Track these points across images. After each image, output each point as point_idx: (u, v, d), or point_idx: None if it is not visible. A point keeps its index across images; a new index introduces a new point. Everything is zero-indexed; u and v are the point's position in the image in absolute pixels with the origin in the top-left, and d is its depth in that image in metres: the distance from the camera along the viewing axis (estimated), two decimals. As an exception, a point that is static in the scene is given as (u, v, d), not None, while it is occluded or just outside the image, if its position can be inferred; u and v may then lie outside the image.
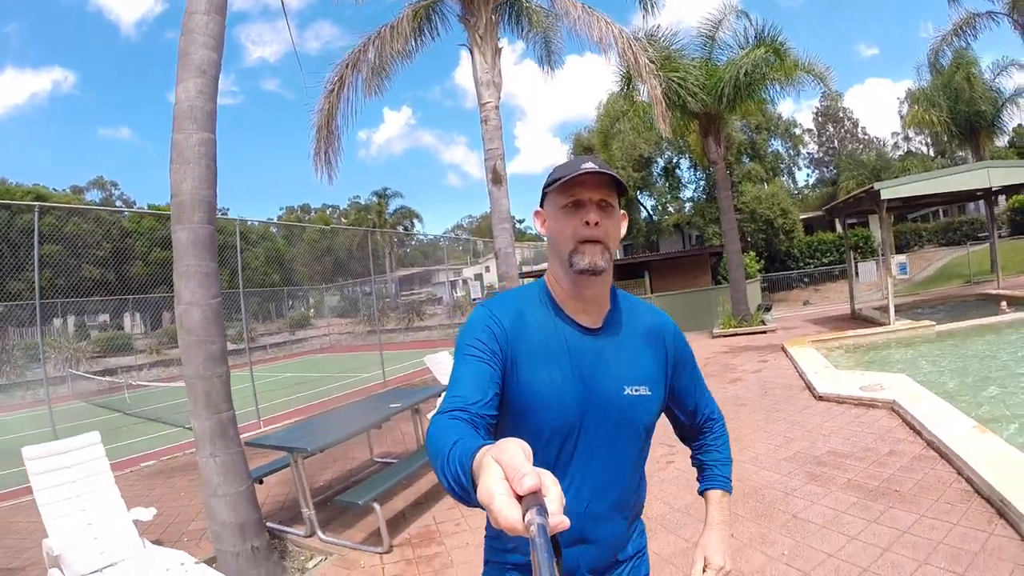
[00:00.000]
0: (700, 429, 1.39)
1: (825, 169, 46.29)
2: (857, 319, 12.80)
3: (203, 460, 3.13)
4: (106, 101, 78.85)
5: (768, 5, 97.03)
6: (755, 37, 12.04)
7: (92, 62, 79.04)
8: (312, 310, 32.64)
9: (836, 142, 51.77)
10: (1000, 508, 2.98)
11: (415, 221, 41.32)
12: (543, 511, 0.58)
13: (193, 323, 3.08)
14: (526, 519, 0.58)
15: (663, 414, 1.33)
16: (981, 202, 23.70)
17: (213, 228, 3.23)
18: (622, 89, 12.72)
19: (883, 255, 12.31)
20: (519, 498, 0.61)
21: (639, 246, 27.88)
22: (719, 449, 1.39)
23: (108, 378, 18.10)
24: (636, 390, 1.20)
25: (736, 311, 13.20)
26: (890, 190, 10.07)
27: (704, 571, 1.27)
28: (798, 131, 28.47)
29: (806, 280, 24.99)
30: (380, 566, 3.34)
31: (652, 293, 17.77)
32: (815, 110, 53.38)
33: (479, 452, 0.72)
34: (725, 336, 12.42)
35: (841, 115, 52.65)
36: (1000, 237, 22.38)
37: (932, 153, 27.07)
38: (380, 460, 5.50)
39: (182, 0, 3.57)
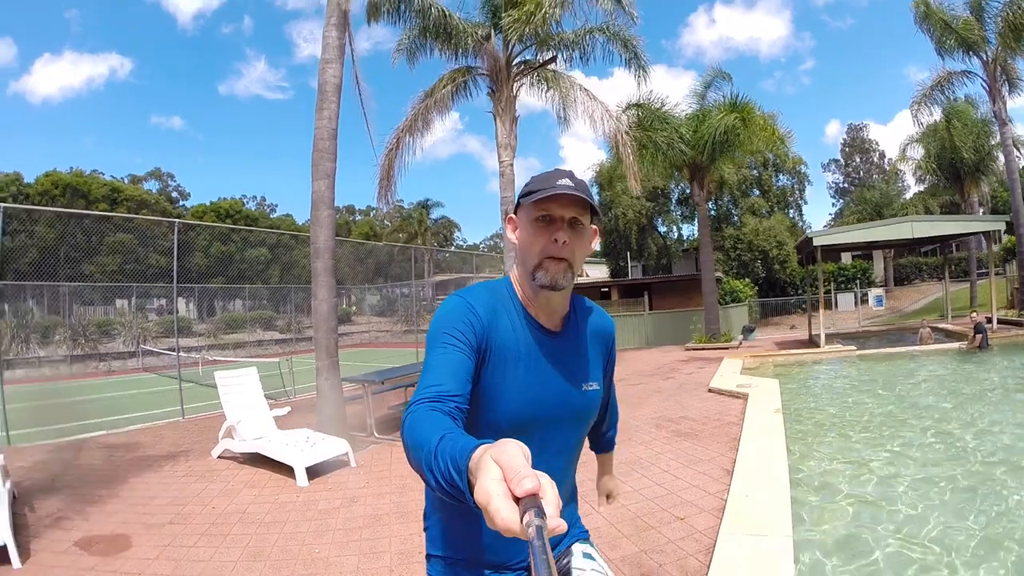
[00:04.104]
0: (606, 417, 1.63)
1: (849, 199, 47.79)
2: (811, 343, 15.19)
3: (320, 382, 6.09)
4: (160, 89, 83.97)
5: (817, 25, 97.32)
6: (731, 103, 14.70)
7: (148, 50, 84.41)
8: (354, 307, 35.96)
9: (862, 173, 52.83)
10: (734, 444, 5.64)
11: (455, 231, 44.93)
12: (541, 513, 0.61)
13: (322, 310, 6.07)
14: (524, 521, 0.61)
15: None
16: (983, 238, 25.32)
17: (333, 262, 6.18)
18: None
19: (818, 293, 14.56)
20: (516, 500, 0.63)
21: (651, 268, 30.40)
22: (613, 427, 1.69)
23: (184, 354, 21.22)
24: (589, 386, 1.33)
25: (707, 330, 15.75)
26: (821, 238, 12.56)
27: (608, 500, 1.76)
28: (804, 169, 30.63)
29: (803, 307, 27.16)
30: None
31: (651, 311, 20.34)
32: (842, 141, 54.68)
33: (477, 451, 0.74)
34: (694, 349, 14.98)
35: (867, 147, 53.70)
36: (997, 274, 23.96)
37: (920, 191, 28.86)
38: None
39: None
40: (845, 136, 54.40)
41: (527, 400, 1.22)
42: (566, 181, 1.18)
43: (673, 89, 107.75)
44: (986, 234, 15.37)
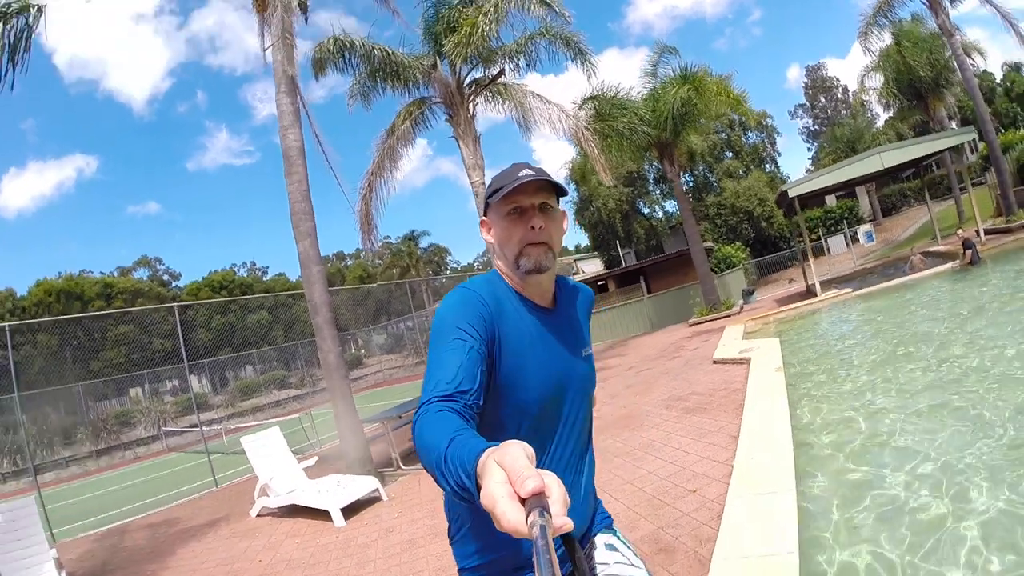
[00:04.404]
0: None
1: (821, 140, 47.77)
2: (809, 293, 15.40)
3: (340, 428, 6.38)
4: (131, 179, 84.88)
5: None
6: (682, 76, 15.02)
7: (111, 144, 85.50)
8: (363, 350, 36.24)
9: (829, 112, 52.89)
10: (740, 410, 5.87)
11: (446, 256, 45.47)
12: (545, 512, 0.61)
13: (331, 360, 6.34)
14: (529, 520, 0.61)
15: None
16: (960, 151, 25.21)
17: (332, 313, 6.48)
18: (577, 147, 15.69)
19: (804, 243, 14.84)
20: (522, 501, 0.64)
21: (643, 252, 30.68)
22: None
23: (206, 428, 21.36)
24: (587, 351, 1.42)
25: (707, 301, 15.98)
26: (795, 189, 12.81)
27: None
28: (771, 121, 31.03)
29: (798, 259, 27.36)
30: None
31: (649, 294, 20.55)
32: (804, 84, 54.88)
33: (482, 456, 0.75)
34: (697, 324, 15.19)
35: (829, 84, 53.77)
36: (980, 183, 24.05)
37: (890, 117, 29.03)
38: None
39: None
40: (806, 79, 54.64)
41: (547, 376, 1.26)
42: (527, 171, 1.25)
43: (629, 68, 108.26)
44: (957, 148, 15.21)
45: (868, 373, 6.06)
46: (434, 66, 11.23)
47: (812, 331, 10.15)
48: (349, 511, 5.39)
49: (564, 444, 1.32)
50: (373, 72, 10.79)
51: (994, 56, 67.96)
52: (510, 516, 0.63)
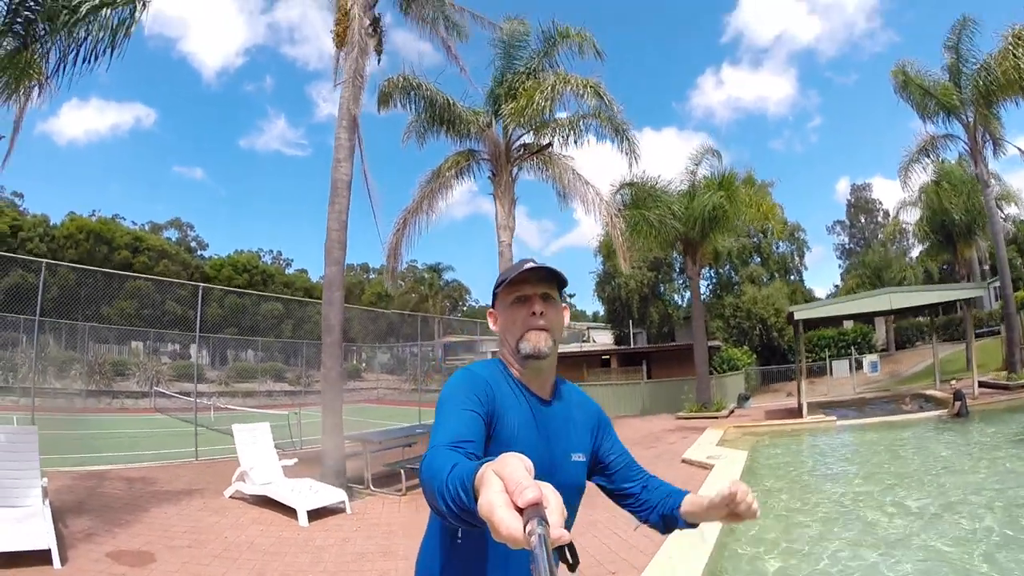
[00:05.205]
0: (638, 479, 1.55)
1: (856, 260, 47.69)
2: (799, 412, 15.68)
3: (324, 439, 6.98)
4: (183, 141, 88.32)
5: (822, 82, 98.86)
6: (718, 181, 15.82)
7: (173, 103, 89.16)
8: (364, 364, 36.83)
9: (867, 233, 53.04)
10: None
11: (465, 295, 46.55)
12: (543, 522, 0.62)
13: (331, 377, 7.03)
14: (527, 530, 0.62)
15: (609, 492, 1.55)
16: (984, 297, 24.52)
17: (341, 338, 7.17)
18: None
19: (799, 363, 15.22)
20: (520, 511, 0.64)
21: (654, 336, 31.15)
22: (650, 478, 1.57)
23: (197, 399, 21.68)
24: (578, 456, 1.42)
25: (699, 399, 16.35)
26: (800, 312, 13.35)
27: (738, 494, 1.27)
28: (803, 235, 31.80)
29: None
30: (398, 500, 6.95)
31: (648, 379, 20.94)
32: (847, 202, 55.39)
33: (480, 469, 0.77)
34: (685, 418, 15.50)
35: (871, 207, 54.11)
36: (994, 334, 23.91)
37: (923, 250, 29.22)
38: (408, 459, 9.13)
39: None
40: (849, 197, 55.20)
41: (535, 461, 1.49)
42: (531, 264, 1.35)
43: (684, 151, 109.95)
44: (968, 301, 15.70)
45: (803, 504, 6.48)
46: (489, 124, 12.14)
47: (779, 452, 10.42)
48: (314, 515, 5.91)
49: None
50: (431, 117, 11.68)
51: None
52: (508, 523, 0.63)
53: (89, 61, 5.74)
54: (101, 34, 5.70)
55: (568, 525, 1.28)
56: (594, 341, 38.90)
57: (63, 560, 4.30)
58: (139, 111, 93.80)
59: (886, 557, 4.53)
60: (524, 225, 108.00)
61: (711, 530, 5.10)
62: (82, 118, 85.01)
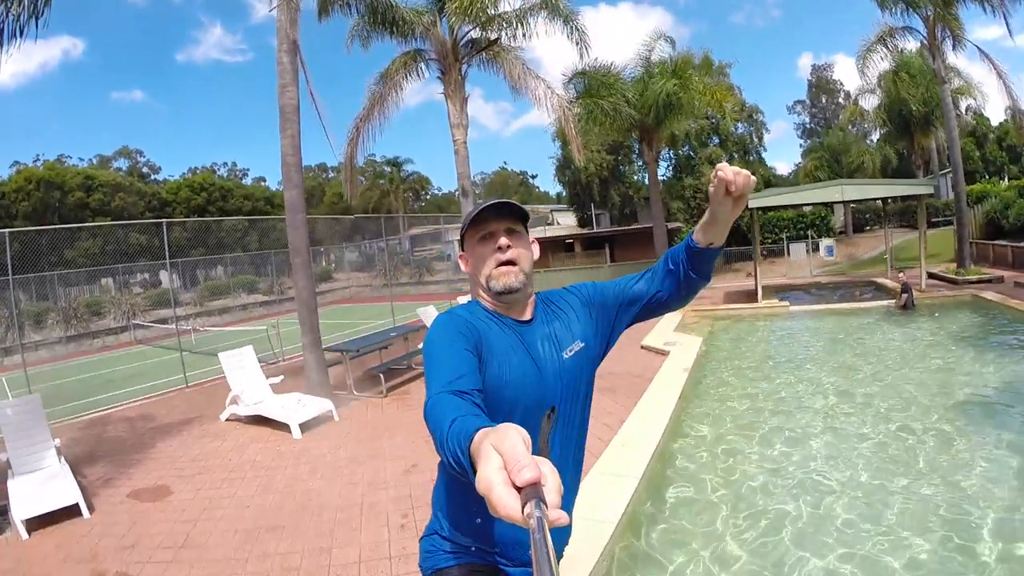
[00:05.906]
0: (654, 274, 1.55)
1: (817, 140, 47.98)
2: (754, 296, 16.50)
3: (306, 355, 7.46)
4: (117, 64, 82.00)
5: None
6: (672, 68, 15.64)
7: (99, 29, 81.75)
8: (333, 264, 36.95)
9: (827, 113, 53.32)
10: (639, 397, 6.99)
11: (427, 186, 45.86)
12: (541, 503, 0.61)
13: (303, 296, 7.40)
14: (525, 511, 0.61)
15: (659, 308, 1.56)
16: (941, 186, 25.44)
17: (309, 258, 7.39)
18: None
19: (755, 249, 15.97)
20: (518, 489, 0.63)
21: (616, 218, 31.69)
22: (666, 255, 1.54)
23: (175, 325, 21.86)
24: (571, 350, 1.44)
25: (659, 283, 17.12)
26: (755, 201, 13.76)
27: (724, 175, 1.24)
28: (761, 117, 31.78)
29: (763, 254, 28.48)
30: (380, 402, 7.57)
31: (611, 262, 21.65)
32: (808, 82, 55.05)
33: (477, 435, 0.77)
34: (647, 301, 16.32)
35: (832, 87, 54.04)
36: (948, 224, 24.73)
37: (882, 134, 29.60)
38: (385, 363, 9.72)
39: None
40: (811, 77, 54.61)
41: (529, 383, 1.34)
42: (493, 201, 1.39)
43: (642, 28, 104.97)
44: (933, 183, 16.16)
45: (750, 387, 7.22)
46: (434, 23, 11.60)
47: (733, 338, 10.97)
48: (305, 427, 6.47)
49: (551, 447, 1.40)
50: (374, 20, 11.04)
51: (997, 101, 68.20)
52: (506, 503, 0.63)
53: (17, 36, 5.56)
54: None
55: (583, 410, 1.49)
56: (558, 223, 39.40)
57: (91, 509, 4.75)
58: (64, 43, 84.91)
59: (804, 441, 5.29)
60: (481, 108, 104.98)
61: (662, 418, 5.76)
62: (5, 62, 76.53)
